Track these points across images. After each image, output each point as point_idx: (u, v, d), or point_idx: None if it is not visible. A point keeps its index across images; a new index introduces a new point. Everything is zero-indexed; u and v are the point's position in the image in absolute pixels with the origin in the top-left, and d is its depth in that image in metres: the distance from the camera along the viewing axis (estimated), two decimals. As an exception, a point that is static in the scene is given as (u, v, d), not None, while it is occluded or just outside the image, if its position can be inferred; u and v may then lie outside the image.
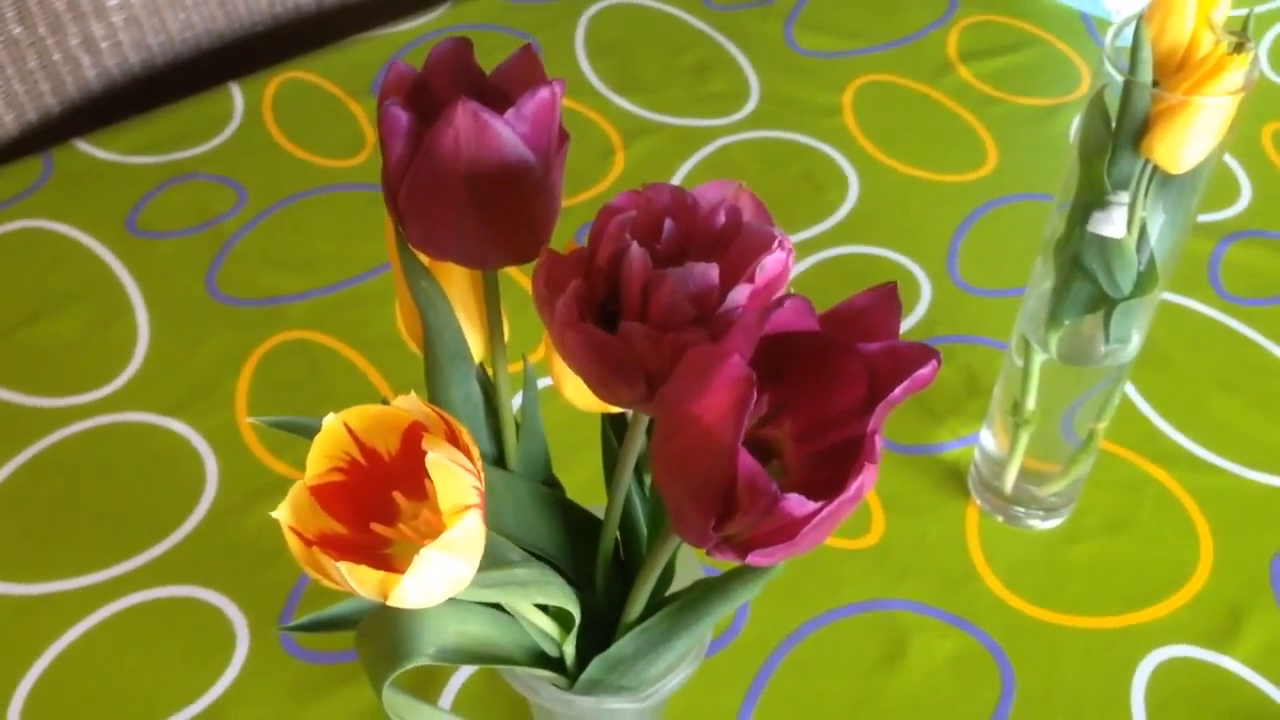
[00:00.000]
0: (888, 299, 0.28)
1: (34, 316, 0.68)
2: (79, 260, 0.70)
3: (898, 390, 0.27)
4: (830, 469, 0.27)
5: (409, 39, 0.83)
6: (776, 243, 0.31)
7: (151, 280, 0.69)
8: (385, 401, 0.32)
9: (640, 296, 0.30)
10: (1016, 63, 0.83)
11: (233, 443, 0.62)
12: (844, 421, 0.28)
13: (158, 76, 0.85)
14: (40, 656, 0.55)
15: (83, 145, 0.76)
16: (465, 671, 0.55)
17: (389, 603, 0.29)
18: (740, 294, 0.30)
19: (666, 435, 0.28)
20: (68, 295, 0.69)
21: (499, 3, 0.86)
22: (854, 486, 0.26)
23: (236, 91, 0.79)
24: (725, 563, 0.31)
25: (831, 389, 0.28)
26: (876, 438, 0.26)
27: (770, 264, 0.30)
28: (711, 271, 0.30)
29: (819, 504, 0.26)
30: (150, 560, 0.58)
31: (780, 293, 0.31)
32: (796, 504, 0.26)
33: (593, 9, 0.86)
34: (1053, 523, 0.60)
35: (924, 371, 0.27)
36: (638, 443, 0.37)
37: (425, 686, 0.54)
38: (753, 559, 0.28)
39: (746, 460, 0.26)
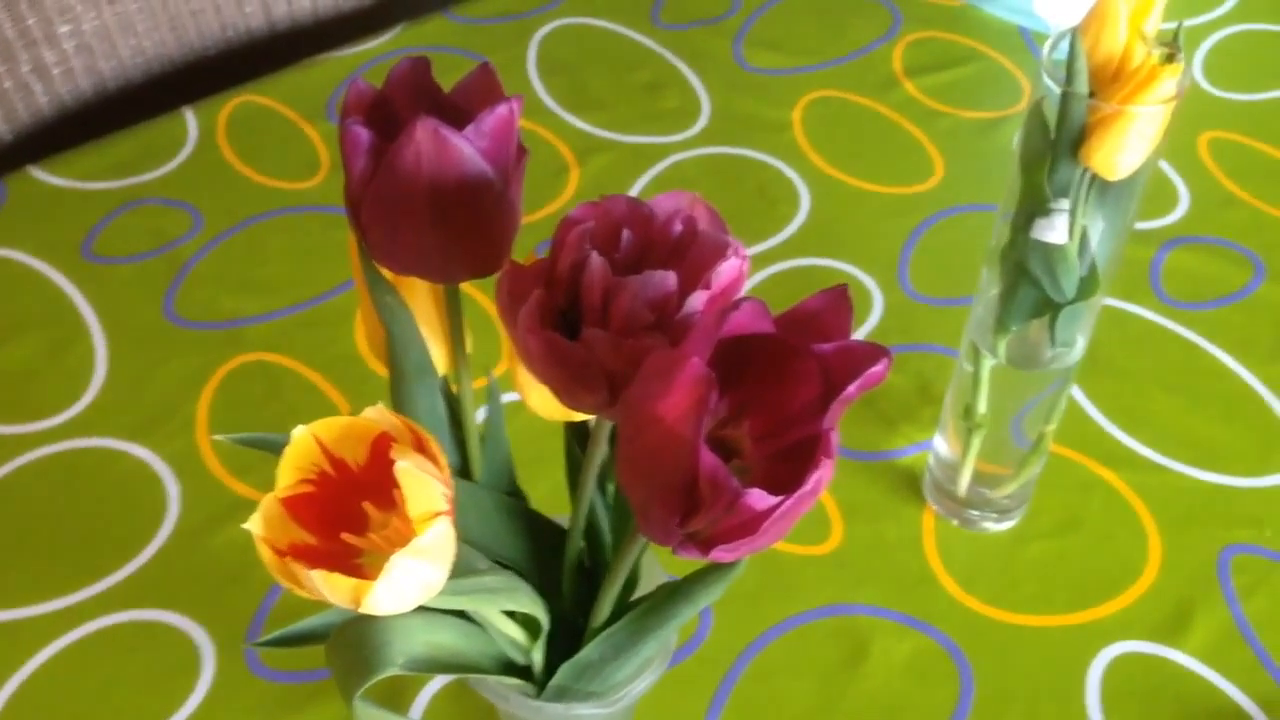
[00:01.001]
0: (839, 300, 0.29)
1: (-10, 344, 0.67)
2: (35, 287, 0.70)
3: (851, 387, 0.28)
4: (789, 466, 0.28)
5: (362, 61, 0.83)
6: (731, 250, 0.32)
7: (108, 305, 0.69)
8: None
9: (601, 304, 0.31)
10: (960, 77, 0.85)
11: (194, 466, 0.62)
12: (801, 420, 0.29)
13: (110, 102, 0.85)
14: (3, 686, 0.55)
15: (37, 172, 0.76)
16: (434, 684, 0.55)
17: (361, 610, 0.30)
18: (697, 300, 0.31)
19: (630, 436, 0.29)
20: (24, 322, 0.68)
21: (451, 24, 0.86)
22: (812, 480, 0.27)
23: (190, 115, 0.80)
24: (688, 564, 0.32)
25: (788, 389, 0.29)
26: (832, 434, 0.27)
27: (725, 270, 0.31)
28: (669, 279, 0.31)
29: (779, 498, 0.27)
30: (113, 585, 0.58)
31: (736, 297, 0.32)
32: (757, 499, 0.27)
33: (544, 29, 0.87)
34: (1006, 525, 0.62)
35: (876, 369, 0.28)
36: (600, 450, 0.38)
37: (395, 698, 0.54)
38: (716, 555, 0.29)
39: (708, 457, 0.27)
